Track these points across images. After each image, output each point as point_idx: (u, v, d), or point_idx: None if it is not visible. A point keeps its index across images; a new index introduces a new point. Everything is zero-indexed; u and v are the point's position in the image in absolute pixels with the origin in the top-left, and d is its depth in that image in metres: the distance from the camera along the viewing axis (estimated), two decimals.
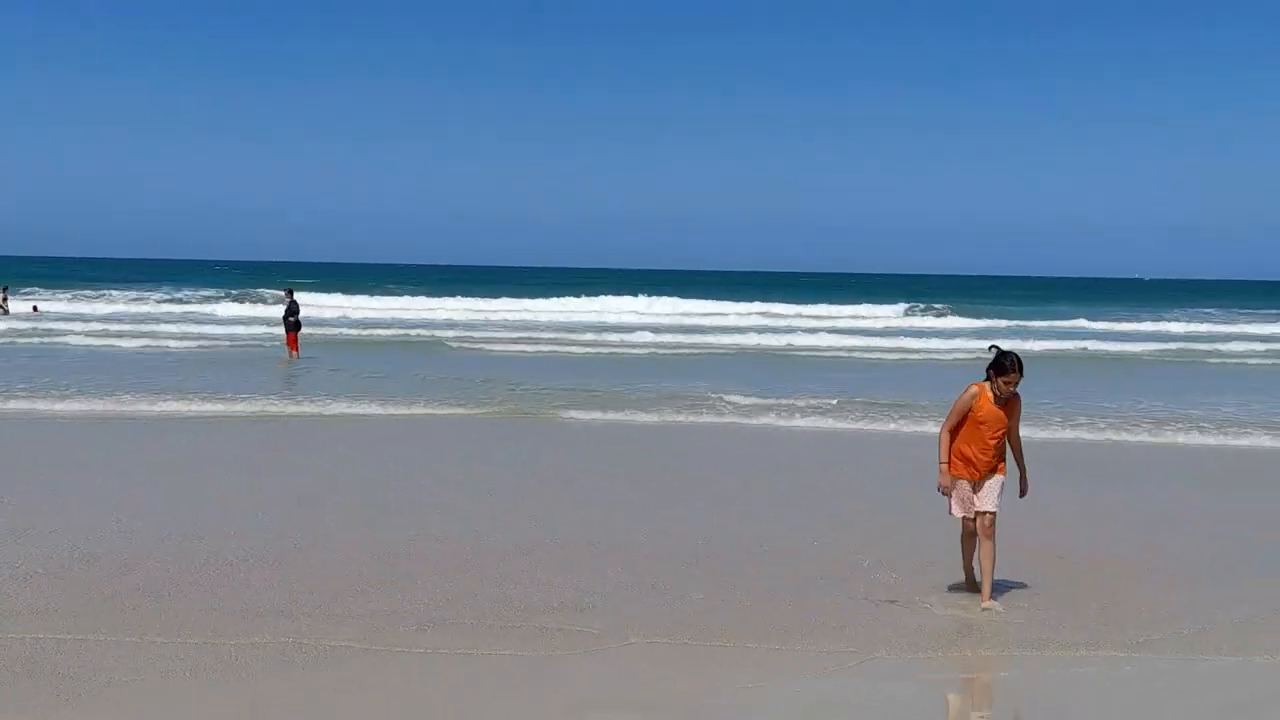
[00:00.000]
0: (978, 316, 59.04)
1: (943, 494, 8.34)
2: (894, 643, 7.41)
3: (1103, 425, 17.82)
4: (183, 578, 8.53)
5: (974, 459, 8.21)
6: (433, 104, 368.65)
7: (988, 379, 8.18)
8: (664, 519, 10.98)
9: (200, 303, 58.44)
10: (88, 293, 62.61)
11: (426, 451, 15.19)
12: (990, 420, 8.16)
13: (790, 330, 44.12)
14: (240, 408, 18.46)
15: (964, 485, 8.27)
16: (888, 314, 62.02)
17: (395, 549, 9.54)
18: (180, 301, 59.82)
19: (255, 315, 47.30)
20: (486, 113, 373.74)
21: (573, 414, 18.46)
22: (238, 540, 9.69)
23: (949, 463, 8.27)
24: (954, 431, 8.26)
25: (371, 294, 65.76)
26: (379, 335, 38.07)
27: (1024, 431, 8.60)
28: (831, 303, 66.85)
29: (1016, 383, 8.09)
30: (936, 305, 70.17)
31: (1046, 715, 6.62)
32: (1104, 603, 8.38)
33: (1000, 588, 8.41)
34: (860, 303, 68.17)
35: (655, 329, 43.19)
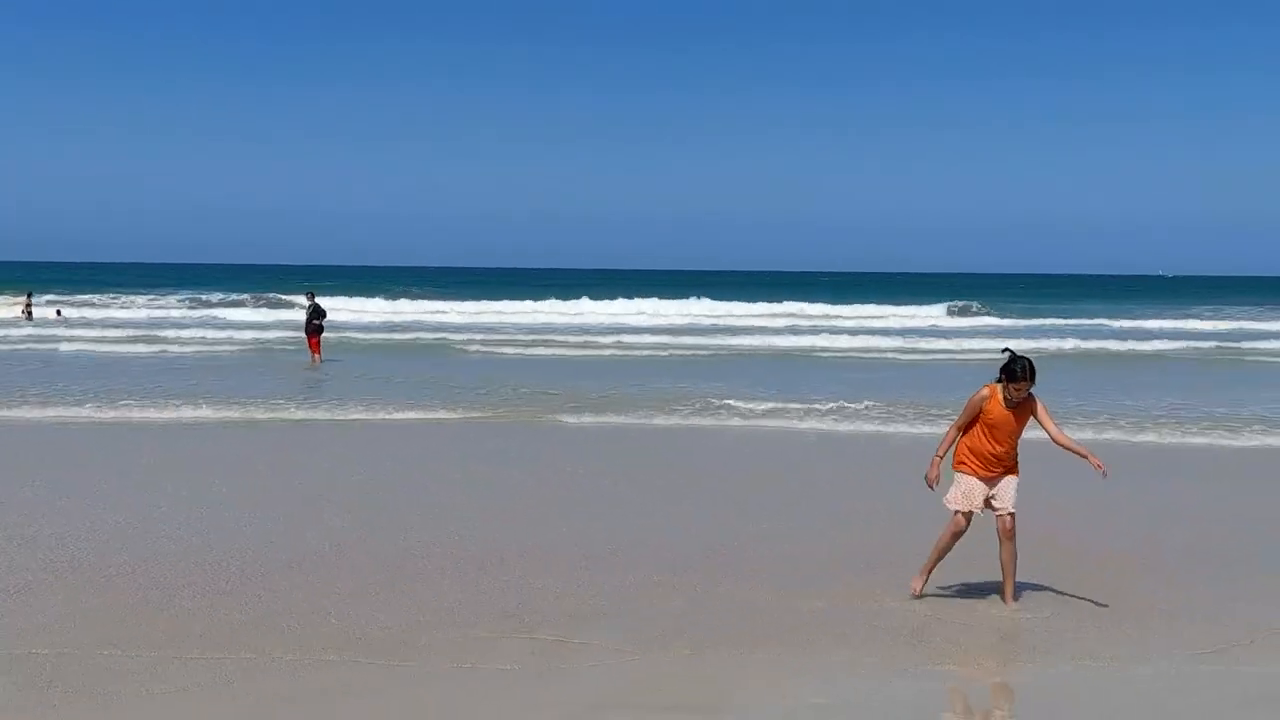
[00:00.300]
0: (1022, 316, 58.81)
1: (926, 484, 8.24)
2: (895, 644, 7.38)
3: (1124, 424, 17.61)
4: (184, 587, 8.50)
5: (986, 458, 8.15)
6: (433, 104, 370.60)
7: (1000, 381, 8.02)
8: (667, 524, 10.93)
9: (220, 306, 58.56)
10: (106, 297, 62.91)
11: (430, 454, 15.15)
12: (1000, 422, 8.05)
13: (815, 331, 43.80)
14: (247, 413, 18.46)
15: (972, 481, 8.19)
16: (930, 314, 61.50)
17: (397, 554, 9.53)
18: (200, 305, 60.00)
19: (275, 320, 47.31)
20: (486, 113, 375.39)
21: (582, 418, 18.39)
22: (239, 548, 9.67)
23: (943, 455, 8.23)
24: (963, 429, 8.22)
25: (388, 297, 65.89)
26: (395, 339, 38.20)
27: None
28: (866, 303, 66.63)
29: (1027, 389, 7.98)
30: (962, 301, 69.83)
31: (1046, 714, 6.56)
32: (1107, 601, 8.32)
33: (1001, 587, 8.33)
34: (884, 303, 67.78)
35: (673, 331, 43.06)
